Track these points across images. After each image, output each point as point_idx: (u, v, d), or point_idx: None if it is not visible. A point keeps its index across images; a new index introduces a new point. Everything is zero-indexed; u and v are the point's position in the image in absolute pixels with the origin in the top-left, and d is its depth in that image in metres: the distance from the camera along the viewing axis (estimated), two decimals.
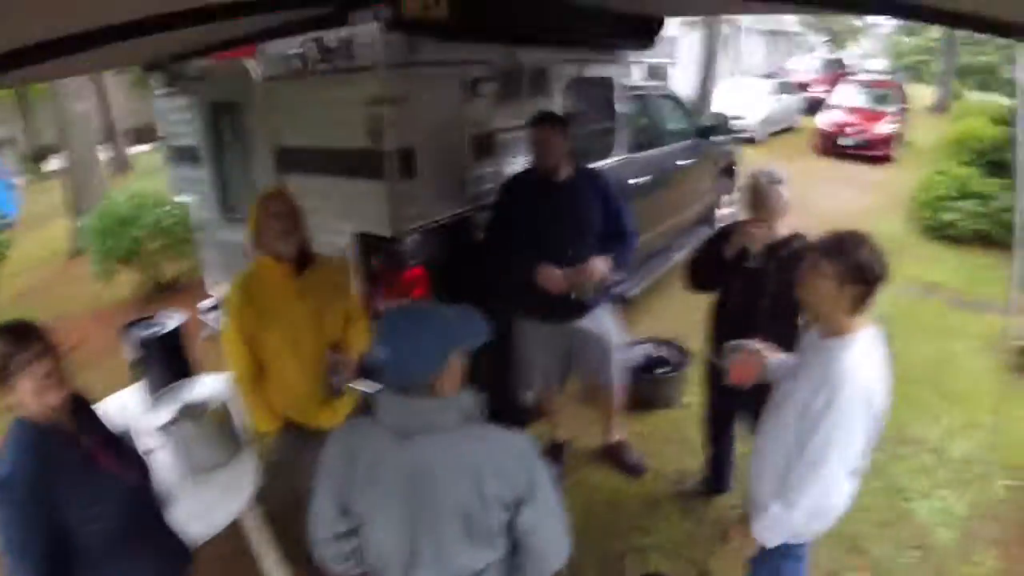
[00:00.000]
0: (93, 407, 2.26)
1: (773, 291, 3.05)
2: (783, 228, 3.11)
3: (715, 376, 3.43)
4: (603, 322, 3.83)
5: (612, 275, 3.65)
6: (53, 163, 16.28)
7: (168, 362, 3.65)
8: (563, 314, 3.70)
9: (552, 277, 3.43)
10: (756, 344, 2.66)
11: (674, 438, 4.57)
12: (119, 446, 2.24)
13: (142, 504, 2.21)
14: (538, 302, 3.62)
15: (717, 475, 3.92)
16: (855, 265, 2.07)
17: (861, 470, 2.30)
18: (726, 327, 3.28)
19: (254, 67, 3.89)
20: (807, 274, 2.23)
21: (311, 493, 1.89)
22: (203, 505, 2.77)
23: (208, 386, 3.28)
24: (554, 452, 4.27)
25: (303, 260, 2.91)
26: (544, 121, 3.50)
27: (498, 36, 3.68)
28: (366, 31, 3.12)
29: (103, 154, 12.14)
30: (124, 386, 3.75)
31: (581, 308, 3.67)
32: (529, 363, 3.95)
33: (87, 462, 2.02)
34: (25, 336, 1.88)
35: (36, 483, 1.85)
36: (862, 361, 2.14)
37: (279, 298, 2.84)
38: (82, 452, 2.02)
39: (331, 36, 3.29)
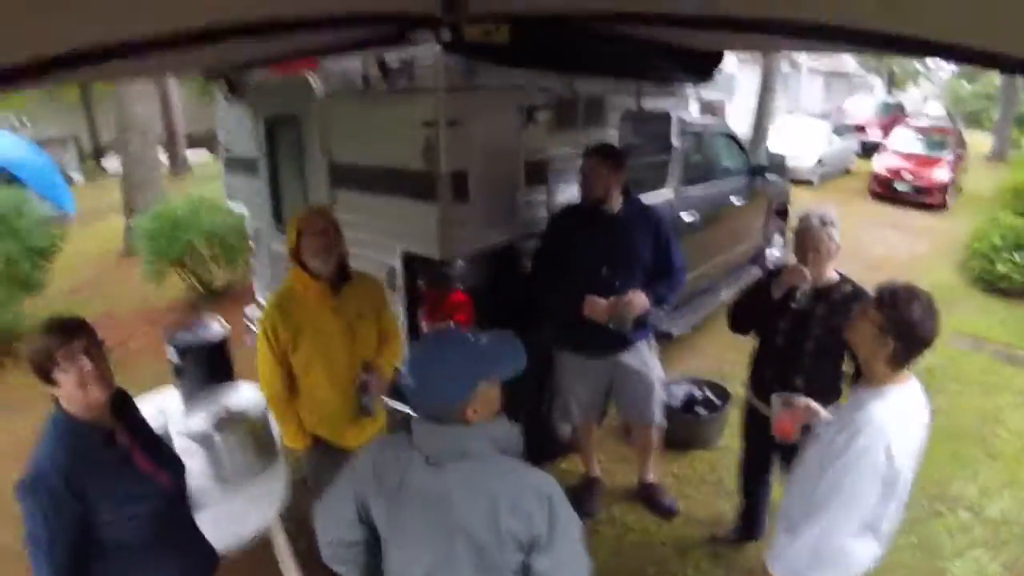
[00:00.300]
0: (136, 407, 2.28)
1: (818, 334, 3.04)
2: (833, 272, 3.07)
3: (754, 420, 3.39)
4: (645, 358, 3.78)
5: (652, 310, 3.61)
6: (113, 162, 16.72)
7: (209, 367, 3.69)
8: (604, 346, 3.66)
9: (597, 308, 3.41)
10: (805, 400, 2.63)
11: (710, 480, 4.49)
12: (157, 447, 2.26)
13: (175, 506, 2.22)
14: (579, 334, 3.60)
15: (750, 521, 3.82)
16: (903, 320, 2.06)
17: (887, 531, 2.23)
18: (769, 368, 3.26)
19: (316, 82, 3.94)
20: (856, 316, 2.25)
21: (327, 492, 1.90)
22: (232, 514, 2.79)
23: (247, 395, 3.29)
24: (588, 488, 4.22)
25: (341, 277, 2.93)
26: (596, 153, 3.50)
27: (557, 64, 3.67)
28: (427, 53, 3.14)
29: (161, 156, 12.39)
30: (165, 387, 3.80)
31: (623, 342, 3.63)
32: (568, 395, 3.90)
33: (123, 461, 2.03)
34: (71, 331, 1.90)
35: (69, 477, 1.86)
36: (891, 414, 2.10)
37: (314, 314, 2.86)
38: (119, 451, 2.03)
39: (392, 56, 3.33)
